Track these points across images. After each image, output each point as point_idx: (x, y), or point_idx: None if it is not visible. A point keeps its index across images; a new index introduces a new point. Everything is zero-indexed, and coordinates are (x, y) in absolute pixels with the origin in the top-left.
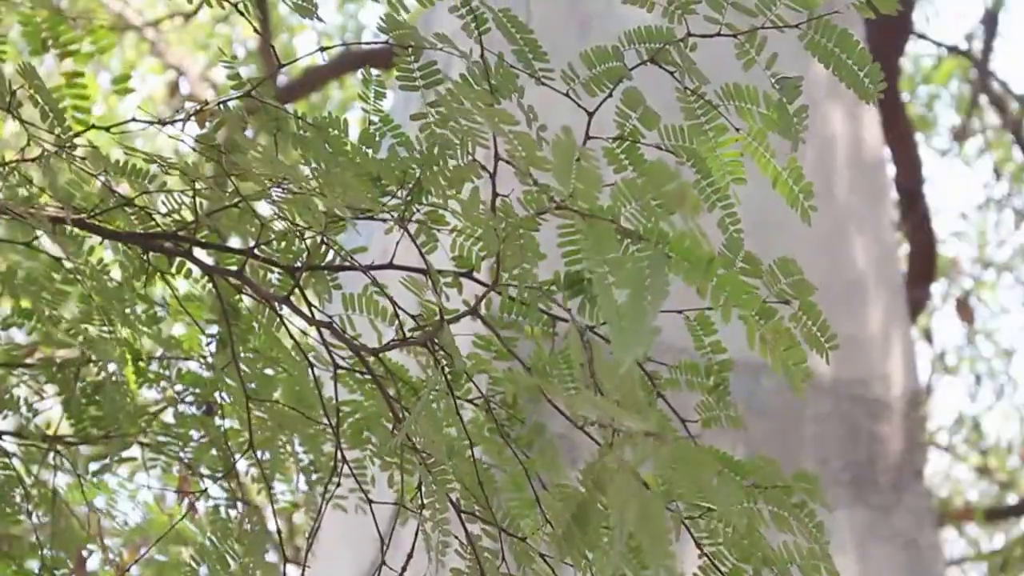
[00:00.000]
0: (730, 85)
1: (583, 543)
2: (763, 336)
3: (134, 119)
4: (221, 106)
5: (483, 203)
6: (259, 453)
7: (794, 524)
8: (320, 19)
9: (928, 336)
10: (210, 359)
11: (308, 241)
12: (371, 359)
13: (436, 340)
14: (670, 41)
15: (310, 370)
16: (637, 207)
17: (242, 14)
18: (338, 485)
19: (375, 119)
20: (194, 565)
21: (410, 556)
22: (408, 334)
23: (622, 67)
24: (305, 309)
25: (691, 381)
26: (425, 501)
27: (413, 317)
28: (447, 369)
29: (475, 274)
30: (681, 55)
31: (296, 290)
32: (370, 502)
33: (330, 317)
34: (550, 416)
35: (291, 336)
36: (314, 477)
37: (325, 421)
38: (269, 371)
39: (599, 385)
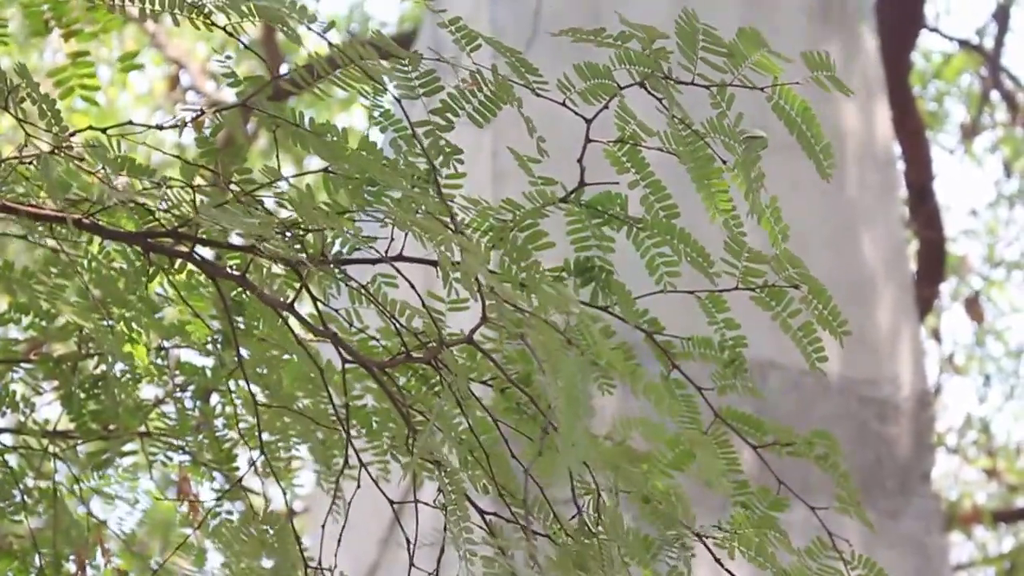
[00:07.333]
0: (713, 119)
1: None
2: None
3: (131, 122)
4: (218, 113)
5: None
6: (265, 436)
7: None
8: (320, 32)
9: (937, 336)
10: (211, 349)
11: (312, 235)
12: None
13: (440, 359)
14: (654, 72)
15: (317, 357)
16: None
17: (232, 35)
18: (358, 470)
19: (376, 114)
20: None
21: (442, 551)
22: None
23: (614, 85)
24: (311, 306)
25: (704, 354)
26: (447, 504)
27: (416, 335)
28: (453, 387)
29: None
30: (666, 86)
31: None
32: (391, 502)
33: (336, 311)
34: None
35: (296, 338)
36: (328, 454)
37: (333, 407)
38: (275, 352)
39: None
